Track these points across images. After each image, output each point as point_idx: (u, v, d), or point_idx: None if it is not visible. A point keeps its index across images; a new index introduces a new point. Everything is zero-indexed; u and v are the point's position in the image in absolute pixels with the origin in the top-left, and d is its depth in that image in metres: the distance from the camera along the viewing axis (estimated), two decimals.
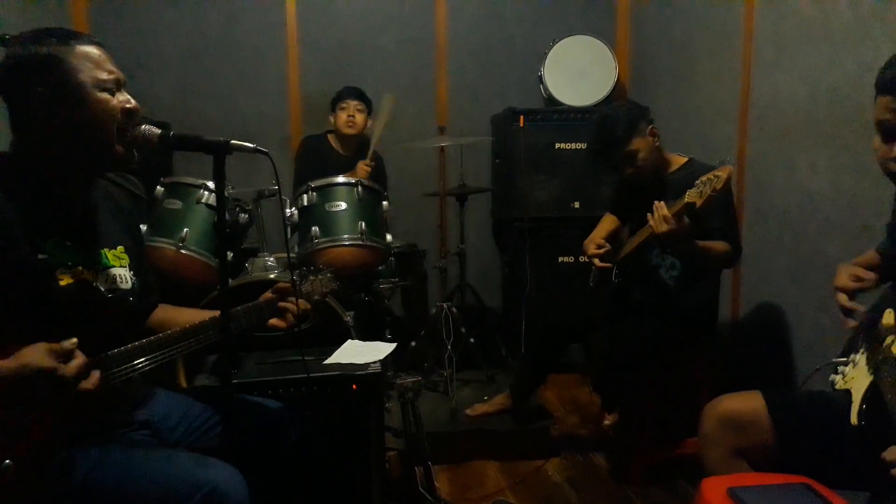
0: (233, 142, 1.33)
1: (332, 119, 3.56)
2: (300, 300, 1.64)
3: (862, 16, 2.22)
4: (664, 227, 2.14)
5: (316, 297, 1.77)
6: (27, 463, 1.21)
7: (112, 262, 1.48)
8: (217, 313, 1.44)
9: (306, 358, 2.05)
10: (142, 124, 1.38)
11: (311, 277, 1.76)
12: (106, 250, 1.48)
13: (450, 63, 4.12)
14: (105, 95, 1.35)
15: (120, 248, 1.52)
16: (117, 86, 1.38)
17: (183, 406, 1.60)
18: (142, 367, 1.39)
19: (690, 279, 2.50)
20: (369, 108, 3.55)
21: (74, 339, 1.24)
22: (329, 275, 1.81)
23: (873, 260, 1.70)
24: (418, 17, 4.08)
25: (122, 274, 1.50)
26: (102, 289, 1.43)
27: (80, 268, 1.39)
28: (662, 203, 2.16)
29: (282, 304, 1.62)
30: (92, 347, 1.33)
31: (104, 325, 1.41)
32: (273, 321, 1.63)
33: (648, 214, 2.18)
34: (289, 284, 1.64)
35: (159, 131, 1.37)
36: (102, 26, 3.78)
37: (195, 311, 1.67)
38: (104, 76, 1.36)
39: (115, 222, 1.54)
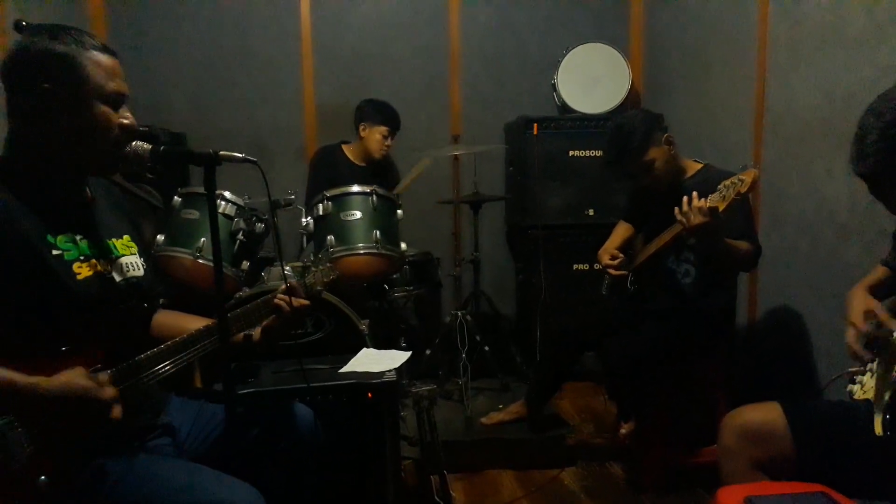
0: (221, 152, 1.34)
1: (362, 131, 3.48)
2: (299, 299, 1.62)
3: (877, 20, 2.21)
4: (698, 220, 2.09)
5: (318, 287, 1.77)
6: (59, 477, 1.23)
7: (122, 252, 1.50)
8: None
9: (321, 367, 2.07)
10: (133, 140, 1.39)
11: (313, 269, 1.78)
12: (114, 240, 1.49)
13: (463, 71, 4.14)
14: (107, 108, 1.36)
15: (126, 236, 1.54)
16: (122, 100, 1.39)
17: (194, 411, 1.61)
18: (165, 371, 1.41)
19: (706, 285, 2.49)
20: None
21: (109, 372, 1.27)
22: (329, 264, 1.81)
23: (882, 276, 1.67)
24: (432, 26, 4.10)
25: (134, 262, 1.52)
26: (117, 279, 1.45)
27: (95, 260, 1.41)
28: (696, 193, 2.13)
29: (276, 301, 1.60)
30: (110, 338, 1.36)
31: (120, 315, 1.43)
32: (266, 321, 1.63)
33: (676, 209, 2.16)
34: (291, 285, 1.64)
35: (150, 147, 1.38)
36: (119, 36, 3.83)
37: (196, 317, 1.67)
38: (112, 88, 1.36)
39: (116, 213, 1.56)
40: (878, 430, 1.37)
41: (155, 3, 3.89)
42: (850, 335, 1.51)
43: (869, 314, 1.49)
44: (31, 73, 1.32)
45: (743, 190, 2.03)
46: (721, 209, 2.07)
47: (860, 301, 1.56)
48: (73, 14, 3.65)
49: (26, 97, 1.33)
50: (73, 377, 1.23)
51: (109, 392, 1.26)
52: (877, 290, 1.65)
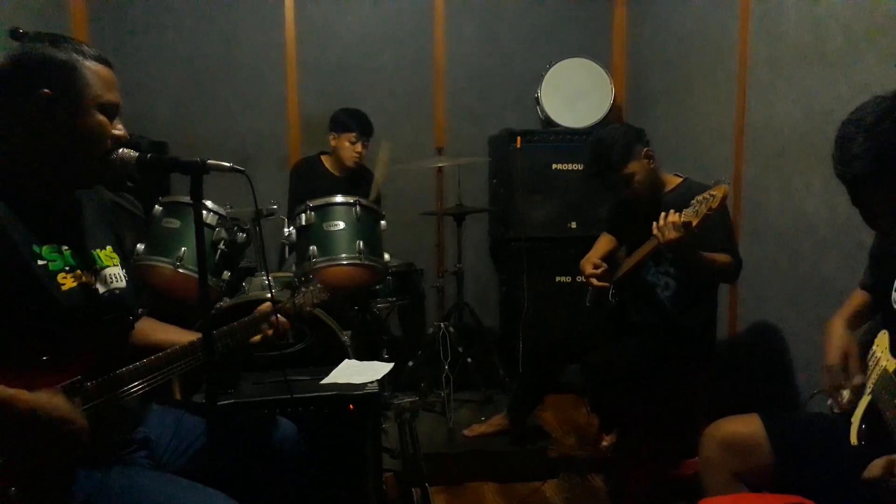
0: (209, 161, 1.32)
1: (332, 141, 3.50)
2: (281, 318, 1.64)
3: (854, 39, 2.25)
4: (673, 235, 2.11)
5: (307, 308, 1.78)
6: (31, 488, 1.21)
7: (105, 263, 1.48)
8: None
9: (303, 378, 2.06)
10: (119, 149, 1.38)
11: (303, 289, 1.78)
12: (98, 251, 1.48)
13: (448, 84, 4.16)
14: (103, 118, 1.36)
15: (109, 247, 1.52)
16: (116, 111, 1.39)
17: (173, 422, 1.59)
18: (141, 388, 1.39)
19: (686, 299, 2.50)
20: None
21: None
22: (319, 285, 1.81)
23: (861, 303, 1.69)
24: (417, 39, 4.12)
25: (116, 273, 1.50)
26: (101, 290, 1.44)
27: (79, 271, 1.39)
28: (672, 210, 2.16)
29: (261, 326, 1.63)
30: (92, 350, 1.34)
31: (102, 327, 1.41)
32: (253, 338, 1.64)
33: (654, 224, 2.18)
34: (278, 302, 1.65)
35: (136, 154, 1.37)
36: (103, 46, 3.78)
37: (179, 329, 1.66)
38: (109, 98, 1.36)
39: (101, 222, 1.54)
40: (854, 439, 1.39)
41: (139, 11, 3.87)
42: (826, 381, 1.54)
43: (842, 365, 1.53)
44: (30, 78, 1.30)
45: (714, 205, 2.05)
46: (694, 224, 2.09)
47: (838, 339, 1.58)
48: (54, 20, 3.62)
49: (23, 102, 1.31)
50: (57, 398, 1.20)
51: (82, 424, 1.23)
52: (855, 320, 1.67)
